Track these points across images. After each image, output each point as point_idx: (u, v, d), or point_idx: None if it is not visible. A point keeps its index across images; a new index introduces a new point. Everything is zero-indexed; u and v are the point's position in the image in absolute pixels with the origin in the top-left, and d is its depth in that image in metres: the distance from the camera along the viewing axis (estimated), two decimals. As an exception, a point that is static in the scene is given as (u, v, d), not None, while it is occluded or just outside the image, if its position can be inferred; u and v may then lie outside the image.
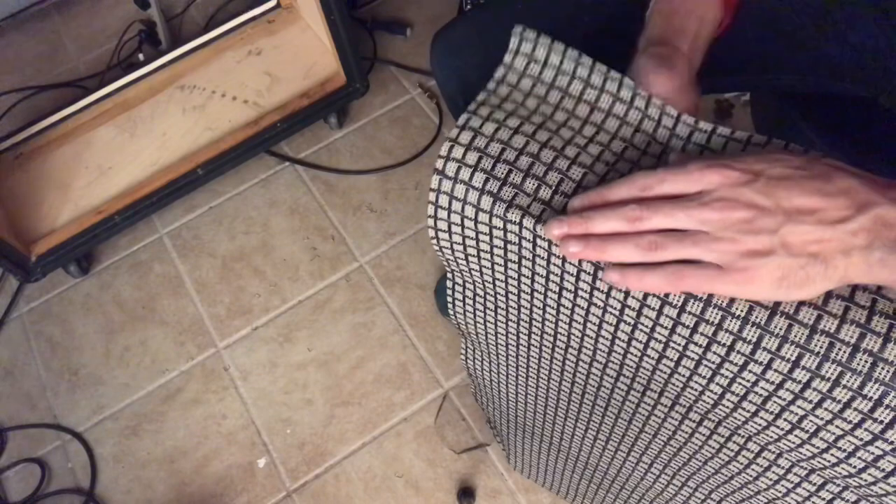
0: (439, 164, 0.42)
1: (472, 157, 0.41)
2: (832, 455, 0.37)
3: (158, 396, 1.16)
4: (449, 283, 0.56)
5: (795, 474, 0.42)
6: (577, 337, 0.46)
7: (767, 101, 0.76)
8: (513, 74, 0.45)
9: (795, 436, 0.38)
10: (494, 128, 0.42)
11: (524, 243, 0.41)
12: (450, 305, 0.58)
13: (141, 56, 1.53)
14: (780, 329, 0.34)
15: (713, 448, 0.47)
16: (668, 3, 0.48)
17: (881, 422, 0.33)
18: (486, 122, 0.42)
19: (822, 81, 0.60)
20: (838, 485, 0.40)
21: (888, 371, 0.32)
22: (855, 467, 0.36)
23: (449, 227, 0.45)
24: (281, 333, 1.20)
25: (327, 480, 1.07)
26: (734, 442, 0.44)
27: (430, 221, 0.45)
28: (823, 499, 0.42)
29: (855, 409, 0.33)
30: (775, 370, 0.35)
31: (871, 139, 0.63)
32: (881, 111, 0.60)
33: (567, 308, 0.44)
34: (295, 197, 1.34)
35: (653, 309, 0.38)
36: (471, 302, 0.56)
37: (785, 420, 0.37)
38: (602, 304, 0.40)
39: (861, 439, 0.34)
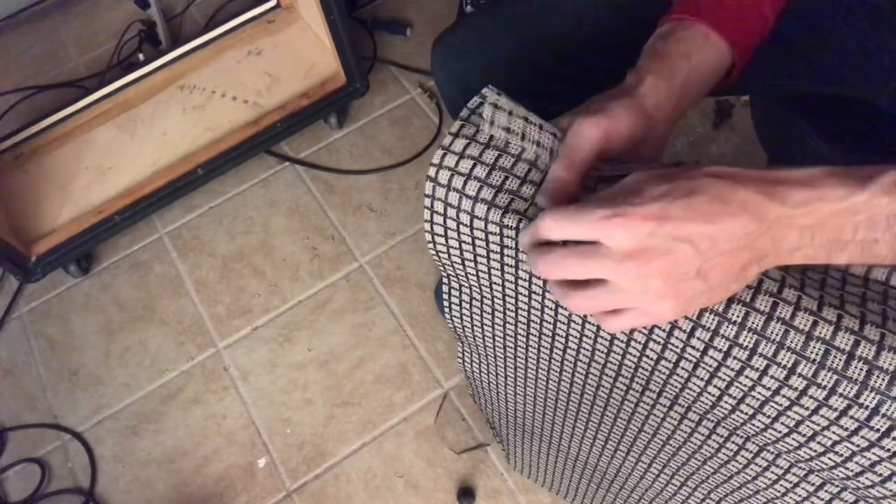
0: (432, 171, 0.42)
1: (465, 166, 0.41)
2: (829, 458, 0.37)
3: (158, 396, 1.17)
4: (445, 288, 0.55)
5: (794, 475, 0.42)
6: (576, 337, 0.46)
7: (767, 102, 0.76)
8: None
9: (793, 438, 0.38)
10: (489, 135, 0.41)
11: None
12: (446, 310, 0.58)
13: (141, 56, 1.53)
14: (777, 334, 0.34)
15: (712, 448, 0.47)
16: (663, 42, 0.47)
17: (877, 430, 0.33)
18: (479, 131, 0.42)
19: (821, 84, 0.60)
20: (836, 485, 0.40)
21: (884, 379, 0.32)
22: (852, 471, 0.36)
23: (445, 232, 0.45)
24: (281, 333, 1.20)
25: (327, 480, 1.07)
26: (733, 442, 0.44)
27: (427, 226, 0.45)
28: (822, 499, 0.42)
29: (851, 417, 0.33)
30: (771, 376, 0.35)
31: (871, 139, 0.63)
32: (881, 111, 0.60)
33: (565, 308, 0.44)
34: (295, 197, 1.34)
35: None
36: (467, 306, 0.56)
37: (782, 424, 0.37)
38: None
39: (858, 445, 0.34)
